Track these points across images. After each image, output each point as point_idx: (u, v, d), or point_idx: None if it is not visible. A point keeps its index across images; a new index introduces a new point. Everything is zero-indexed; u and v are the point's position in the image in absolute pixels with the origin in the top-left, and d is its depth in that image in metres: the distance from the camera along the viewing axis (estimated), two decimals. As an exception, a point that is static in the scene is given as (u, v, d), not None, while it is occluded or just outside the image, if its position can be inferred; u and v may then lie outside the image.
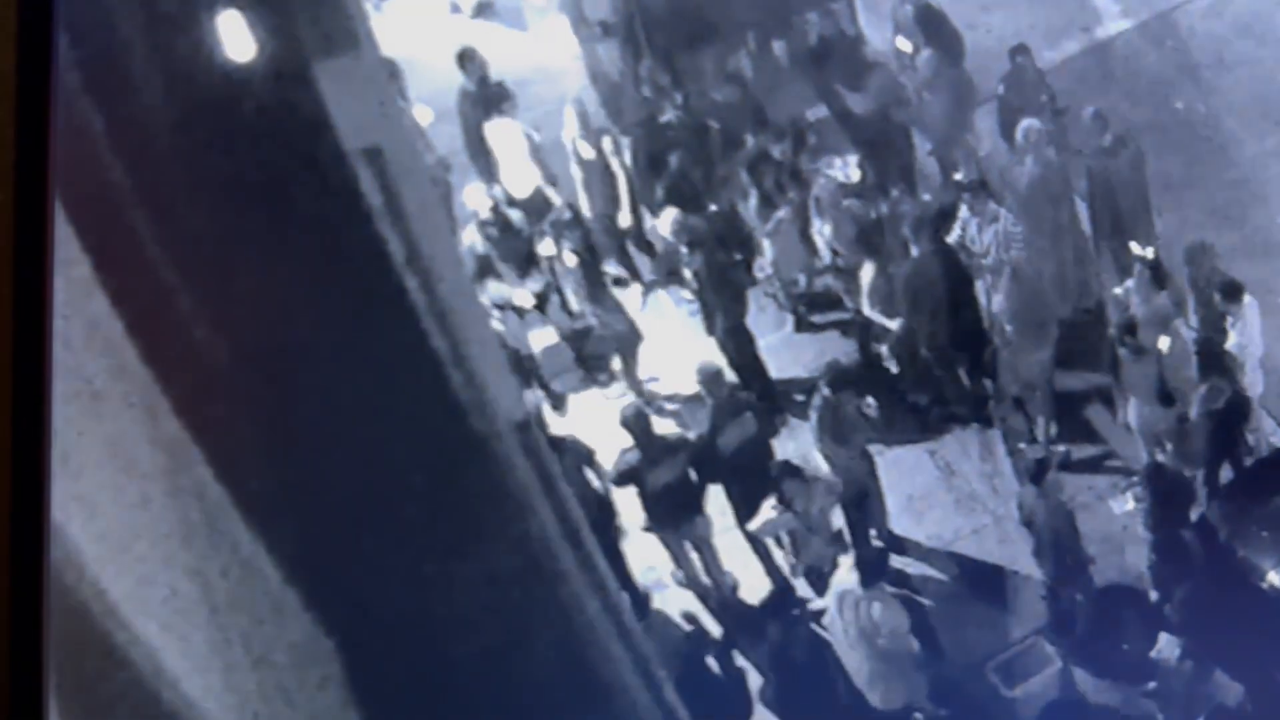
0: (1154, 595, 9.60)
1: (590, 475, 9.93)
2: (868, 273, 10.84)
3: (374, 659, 6.42)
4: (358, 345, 5.90)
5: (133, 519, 5.61)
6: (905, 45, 12.19)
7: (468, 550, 6.39)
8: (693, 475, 10.03)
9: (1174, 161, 12.18)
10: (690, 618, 10.41)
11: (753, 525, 9.68)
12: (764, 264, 11.59)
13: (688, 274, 11.25)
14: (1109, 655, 9.21)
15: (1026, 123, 11.08)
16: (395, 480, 6.15)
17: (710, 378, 10.18)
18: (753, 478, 9.98)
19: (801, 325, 11.97)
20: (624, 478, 9.95)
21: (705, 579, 10.44)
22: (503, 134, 12.01)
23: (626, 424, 9.95)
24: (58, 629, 3.50)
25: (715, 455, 10.04)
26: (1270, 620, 9.33)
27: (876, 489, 10.41)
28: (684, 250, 11.12)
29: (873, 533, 10.43)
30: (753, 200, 11.64)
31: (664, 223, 11.23)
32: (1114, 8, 13.46)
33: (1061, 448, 10.70)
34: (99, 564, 5.34)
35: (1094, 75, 12.88)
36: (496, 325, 10.78)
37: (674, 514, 10.10)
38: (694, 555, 10.38)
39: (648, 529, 10.18)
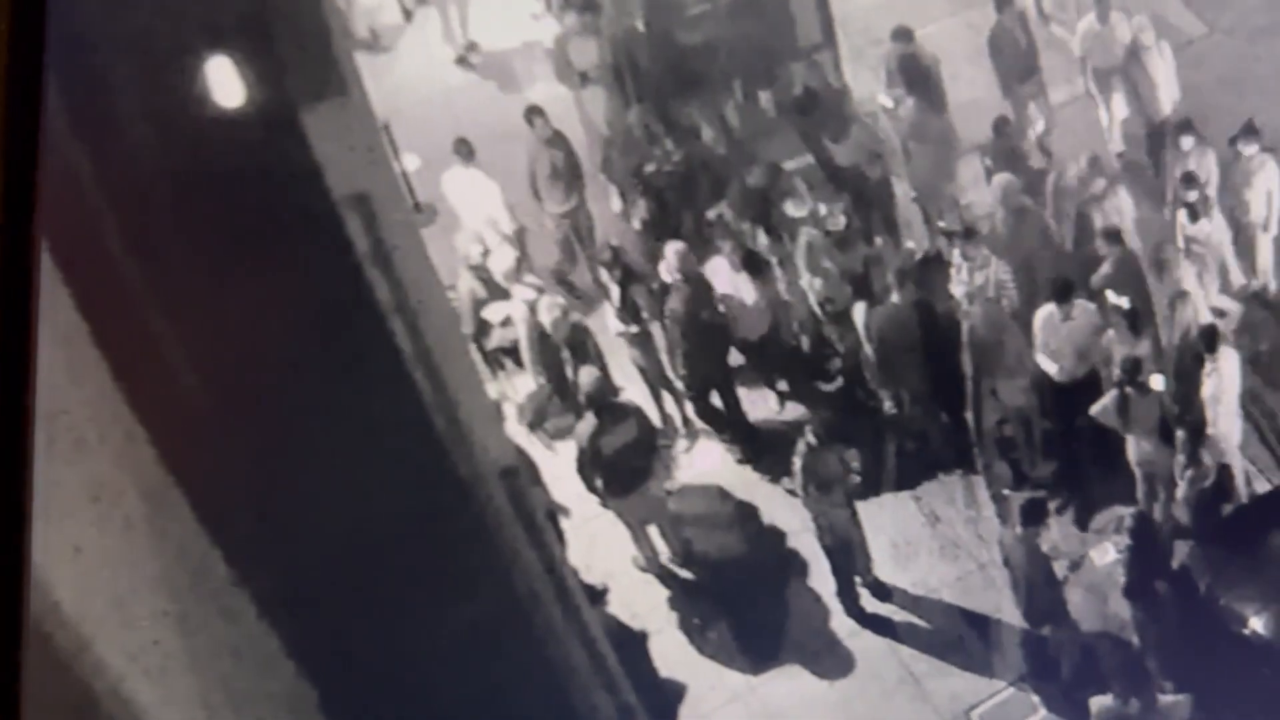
0: (1136, 643, 9.62)
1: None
2: (859, 317, 10.86)
3: (356, 708, 6.37)
4: (343, 390, 5.89)
5: (115, 565, 5.57)
6: (887, 101, 12.33)
7: (451, 596, 6.36)
8: None
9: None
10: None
11: None
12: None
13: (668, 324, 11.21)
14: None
15: (1001, 177, 11.32)
16: (379, 526, 6.13)
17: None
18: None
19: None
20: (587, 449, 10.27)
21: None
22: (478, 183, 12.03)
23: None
24: (35, 674, 3.48)
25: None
26: (1252, 667, 9.34)
27: (860, 536, 10.40)
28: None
29: (858, 579, 10.42)
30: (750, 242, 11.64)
31: (669, 255, 11.16)
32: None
33: (1045, 493, 10.70)
34: (79, 610, 5.29)
35: (1080, 124, 12.99)
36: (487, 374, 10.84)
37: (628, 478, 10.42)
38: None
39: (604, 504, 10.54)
